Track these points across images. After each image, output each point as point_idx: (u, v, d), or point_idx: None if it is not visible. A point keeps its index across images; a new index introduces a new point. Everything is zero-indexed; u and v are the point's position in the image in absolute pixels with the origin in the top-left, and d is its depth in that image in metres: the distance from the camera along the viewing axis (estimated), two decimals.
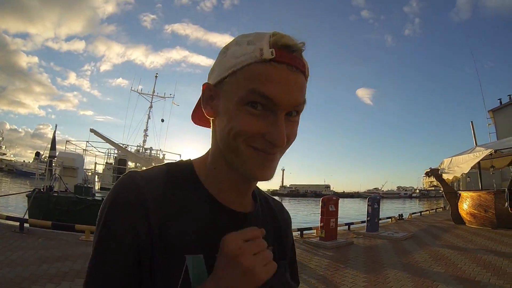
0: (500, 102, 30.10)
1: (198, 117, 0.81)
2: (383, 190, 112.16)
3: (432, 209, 24.07)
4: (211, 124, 0.72)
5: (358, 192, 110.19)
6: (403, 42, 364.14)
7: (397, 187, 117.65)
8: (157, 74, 38.14)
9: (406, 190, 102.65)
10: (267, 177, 0.65)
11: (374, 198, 11.80)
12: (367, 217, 11.56)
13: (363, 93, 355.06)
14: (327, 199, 9.70)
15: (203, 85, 0.70)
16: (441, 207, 22.03)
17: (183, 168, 0.73)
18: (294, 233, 10.46)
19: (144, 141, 32.46)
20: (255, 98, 0.60)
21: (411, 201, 66.63)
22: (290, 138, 0.64)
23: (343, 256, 7.57)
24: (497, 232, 10.60)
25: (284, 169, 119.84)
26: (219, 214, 0.68)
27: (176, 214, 0.64)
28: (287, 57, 0.60)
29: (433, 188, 17.26)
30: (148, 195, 0.62)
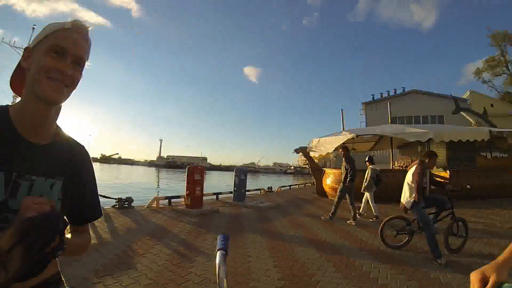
0: (373, 98, 36.44)
1: (14, 83, 1.09)
2: (259, 165, 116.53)
3: (302, 184, 25.87)
4: (26, 75, 0.98)
5: (234, 166, 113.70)
6: (299, 30, 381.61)
7: (273, 163, 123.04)
8: (34, 25, 33.57)
9: (281, 167, 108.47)
10: (54, 97, 0.93)
11: (241, 170, 12.19)
12: (234, 188, 11.98)
13: (250, 71, 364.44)
14: (193, 168, 9.73)
15: (25, 48, 1.01)
16: (311, 182, 23.77)
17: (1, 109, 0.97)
18: (163, 201, 10.28)
19: (13, 102, 28.42)
20: (56, 48, 0.94)
21: (286, 177, 70.87)
22: (73, 78, 0.97)
23: (206, 223, 7.61)
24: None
25: (162, 140, 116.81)
26: (18, 145, 0.92)
27: None
28: (78, 30, 0.99)
29: (307, 166, 18.54)
30: None
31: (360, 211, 9.38)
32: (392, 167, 16.07)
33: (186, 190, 9.35)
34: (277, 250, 5.37)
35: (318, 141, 14.36)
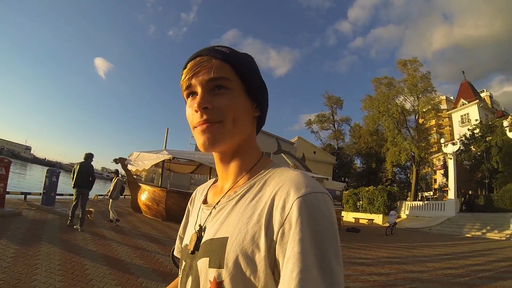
0: None
1: None
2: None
3: (128, 195, 25.26)
4: None
5: (60, 162, 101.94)
6: (163, 39, 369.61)
7: (102, 167, 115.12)
8: None
9: (109, 172, 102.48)
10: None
11: (53, 171, 11.48)
12: (43, 189, 11.17)
13: (100, 64, 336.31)
14: None
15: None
16: (129, 195, 23.41)
17: None
18: None
19: None
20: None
21: (109, 183, 66.59)
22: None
23: (3, 226, 7.10)
24: (165, 224, 12.34)
25: None
26: None
27: None
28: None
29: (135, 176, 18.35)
30: None
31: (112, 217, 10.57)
32: None
33: None
34: (67, 263, 5.36)
35: (138, 155, 14.43)
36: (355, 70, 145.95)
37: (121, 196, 23.69)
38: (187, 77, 0.78)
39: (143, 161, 13.56)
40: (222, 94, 0.77)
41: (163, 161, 14.08)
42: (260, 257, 0.65)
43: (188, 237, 0.88)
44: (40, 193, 12.03)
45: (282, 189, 0.69)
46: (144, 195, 14.41)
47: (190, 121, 0.79)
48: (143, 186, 14.97)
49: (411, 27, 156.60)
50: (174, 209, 12.98)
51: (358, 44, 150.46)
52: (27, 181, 28.06)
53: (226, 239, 0.70)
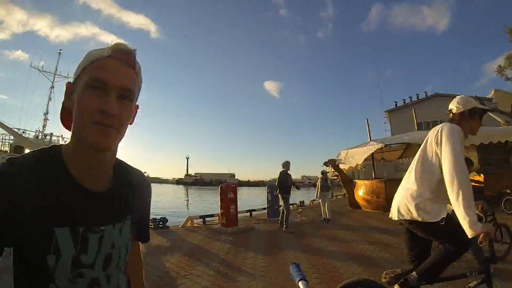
0: (396, 105, 35.44)
1: (64, 119, 0.93)
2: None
3: (334, 196, 25.53)
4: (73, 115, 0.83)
5: (263, 181, 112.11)
6: (315, 42, 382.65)
7: (302, 176, 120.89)
8: (61, 50, 34.67)
9: (310, 179, 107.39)
10: (102, 144, 0.79)
11: (272, 186, 12.02)
12: (267, 204, 11.96)
13: (271, 86, 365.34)
14: (226, 186, 9.77)
15: (66, 84, 0.88)
16: (342, 194, 23.38)
17: (52, 153, 0.83)
18: (197, 220, 10.32)
19: (44, 126, 28.62)
20: (94, 83, 0.78)
21: (315, 189, 70.05)
22: (122, 117, 0.81)
23: (243, 241, 7.57)
24: (387, 215, 11.41)
25: (188, 157, 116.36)
26: (79, 194, 0.81)
27: (44, 194, 0.75)
28: (120, 55, 0.82)
29: (336, 177, 18.41)
30: (13, 180, 0.73)
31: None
32: None
33: (221, 209, 9.35)
34: (317, 266, 5.32)
35: (347, 153, 14.21)
36: None
37: (333, 197, 24.24)
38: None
39: (354, 157, 13.13)
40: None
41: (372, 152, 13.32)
42: None
43: None
44: (264, 208, 13.04)
45: None
46: (361, 190, 13.97)
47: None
48: (359, 182, 14.58)
49: None
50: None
51: None
52: (241, 200, 31.06)
53: None
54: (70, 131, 0.86)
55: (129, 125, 0.87)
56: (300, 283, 1.06)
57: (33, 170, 0.77)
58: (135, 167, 1.05)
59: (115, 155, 0.91)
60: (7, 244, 0.74)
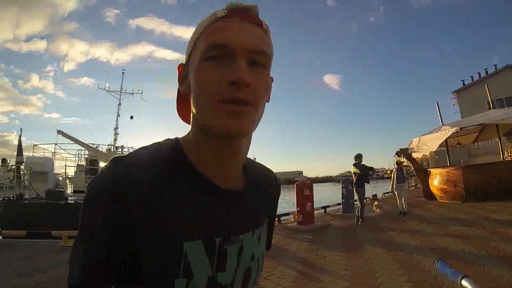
0: (463, 84, 32.41)
1: (181, 110, 0.79)
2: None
3: (412, 185, 24.62)
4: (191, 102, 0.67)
5: (331, 176, 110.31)
6: (368, 28, 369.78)
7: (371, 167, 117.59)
8: (124, 70, 37.16)
9: (377, 172, 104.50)
10: (236, 129, 0.59)
11: (347, 180, 11.98)
12: (342, 199, 11.93)
13: (331, 79, 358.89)
14: (301, 183, 9.85)
15: (178, 66, 0.71)
16: (413, 185, 22.51)
17: (171, 148, 0.68)
18: None
19: (115, 139, 30.87)
20: (213, 51, 0.59)
21: (383, 182, 68.09)
22: (258, 88, 0.61)
23: (321, 238, 7.68)
24: (466, 205, 11.01)
25: (255, 158, 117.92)
26: (212, 196, 0.65)
27: (166, 199, 0.61)
28: (238, 13, 0.62)
29: (408, 167, 17.73)
30: (128, 184, 0.58)
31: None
32: (503, 158, 14.30)
33: (297, 207, 9.46)
34: (401, 262, 5.30)
35: (419, 140, 13.65)
36: None
37: (407, 189, 23.27)
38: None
39: (427, 144, 12.64)
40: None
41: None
42: None
43: None
44: (339, 203, 12.90)
45: None
46: (436, 179, 13.34)
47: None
48: (433, 170, 13.92)
49: None
50: (474, 187, 11.54)
51: None
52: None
53: None
54: (189, 123, 0.71)
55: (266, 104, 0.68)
56: (463, 281, 0.93)
57: (150, 168, 0.62)
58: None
59: (250, 143, 0.73)
60: (119, 269, 0.58)
